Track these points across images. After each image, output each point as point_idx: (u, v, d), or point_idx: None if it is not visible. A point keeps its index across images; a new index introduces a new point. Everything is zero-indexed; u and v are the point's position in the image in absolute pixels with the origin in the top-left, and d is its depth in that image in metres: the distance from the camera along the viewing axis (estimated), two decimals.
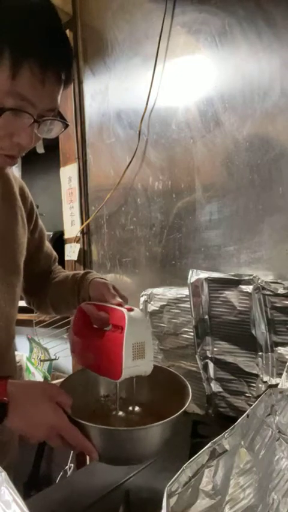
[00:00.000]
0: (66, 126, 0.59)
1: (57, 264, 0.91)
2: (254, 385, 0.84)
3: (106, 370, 0.60)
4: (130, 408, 0.67)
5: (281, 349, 0.80)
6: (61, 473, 1.33)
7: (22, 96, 0.50)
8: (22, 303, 0.88)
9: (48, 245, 0.88)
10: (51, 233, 1.55)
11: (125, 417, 0.66)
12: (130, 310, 0.59)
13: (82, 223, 1.33)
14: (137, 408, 0.67)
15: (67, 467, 1.33)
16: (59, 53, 0.52)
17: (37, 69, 0.50)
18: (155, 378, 0.62)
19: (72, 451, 1.29)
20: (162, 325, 1.01)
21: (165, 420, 0.54)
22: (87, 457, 1.01)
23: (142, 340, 0.58)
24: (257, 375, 0.83)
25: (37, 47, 0.49)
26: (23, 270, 0.74)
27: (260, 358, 0.83)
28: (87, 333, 0.65)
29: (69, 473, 1.34)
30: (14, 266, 0.71)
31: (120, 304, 0.61)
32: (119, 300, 0.63)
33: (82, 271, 0.78)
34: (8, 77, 0.49)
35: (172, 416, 0.55)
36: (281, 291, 0.79)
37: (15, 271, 0.72)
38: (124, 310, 0.58)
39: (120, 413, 0.66)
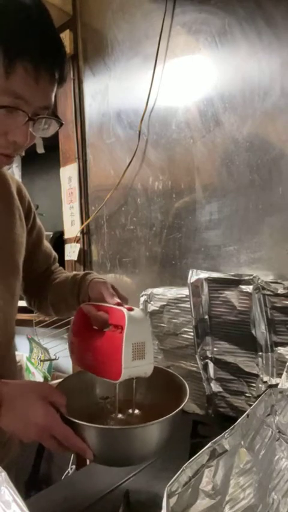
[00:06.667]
0: (61, 124, 0.60)
1: (57, 264, 0.91)
2: (254, 385, 0.84)
3: (105, 371, 0.58)
4: (130, 410, 0.65)
5: (281, 349, 0.80)
6: (63, 476, 1.32)
7: (16, 94, 0.51)
8: (22, 303, 0.88)
9: (47, 245, 0.88)
10: (51, 233, 1.55)
11: (124, 419, 0.64)
12: (130, 309, 0.57)
13: (82, 223, 1.33)
14: (136, 410, 0.65)
15: (69, 469, 1.33)
16: (52, 51, 0.53)
17: (30, 67, 0.50)
18: (152, 378, 0.61)
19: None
20: (162, 325, 1.01)
21: (161, 419, 0.53)
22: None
23: (142, 340, 0.56)
24: (257, 375, 0.83)
25: (30, 45, 0.50)
26: (23, 269, 0.74)
27: (260, 358, 0.83)
28: (86, 333, 0.64)
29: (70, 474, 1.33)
30: (12, 265, 0.71)
31: (119, 304, 0.60)
32: (117, 299, 0.62)
33: (82, 272, 0.78)
34: (2, 75, 0.49)
35: (168, 415, 0.54)
36: (281, 291, 0.79)
37: (14, 271, 0.72)
38: (124, 309, 0.57)
39: (120, 415, 0.64)
